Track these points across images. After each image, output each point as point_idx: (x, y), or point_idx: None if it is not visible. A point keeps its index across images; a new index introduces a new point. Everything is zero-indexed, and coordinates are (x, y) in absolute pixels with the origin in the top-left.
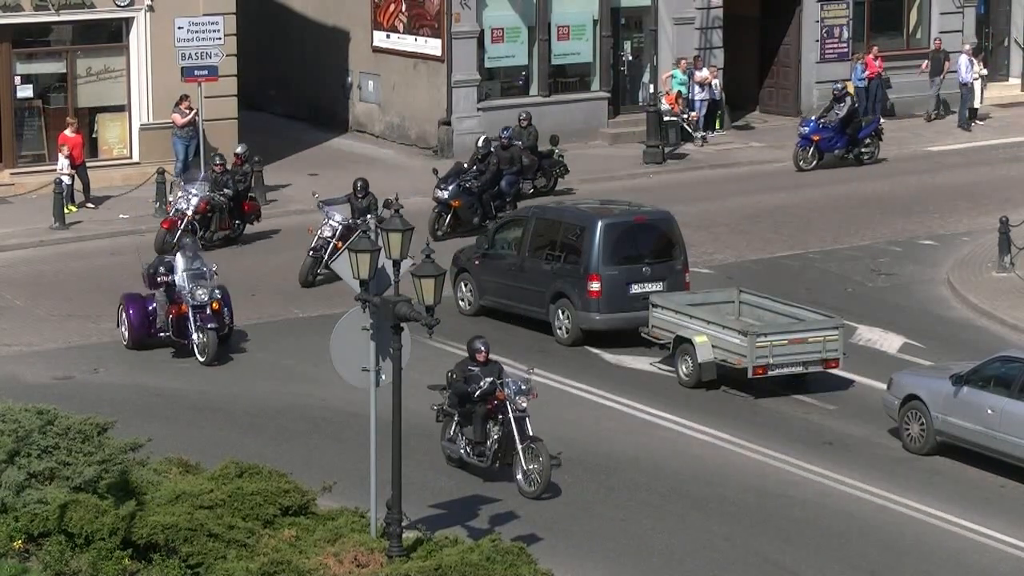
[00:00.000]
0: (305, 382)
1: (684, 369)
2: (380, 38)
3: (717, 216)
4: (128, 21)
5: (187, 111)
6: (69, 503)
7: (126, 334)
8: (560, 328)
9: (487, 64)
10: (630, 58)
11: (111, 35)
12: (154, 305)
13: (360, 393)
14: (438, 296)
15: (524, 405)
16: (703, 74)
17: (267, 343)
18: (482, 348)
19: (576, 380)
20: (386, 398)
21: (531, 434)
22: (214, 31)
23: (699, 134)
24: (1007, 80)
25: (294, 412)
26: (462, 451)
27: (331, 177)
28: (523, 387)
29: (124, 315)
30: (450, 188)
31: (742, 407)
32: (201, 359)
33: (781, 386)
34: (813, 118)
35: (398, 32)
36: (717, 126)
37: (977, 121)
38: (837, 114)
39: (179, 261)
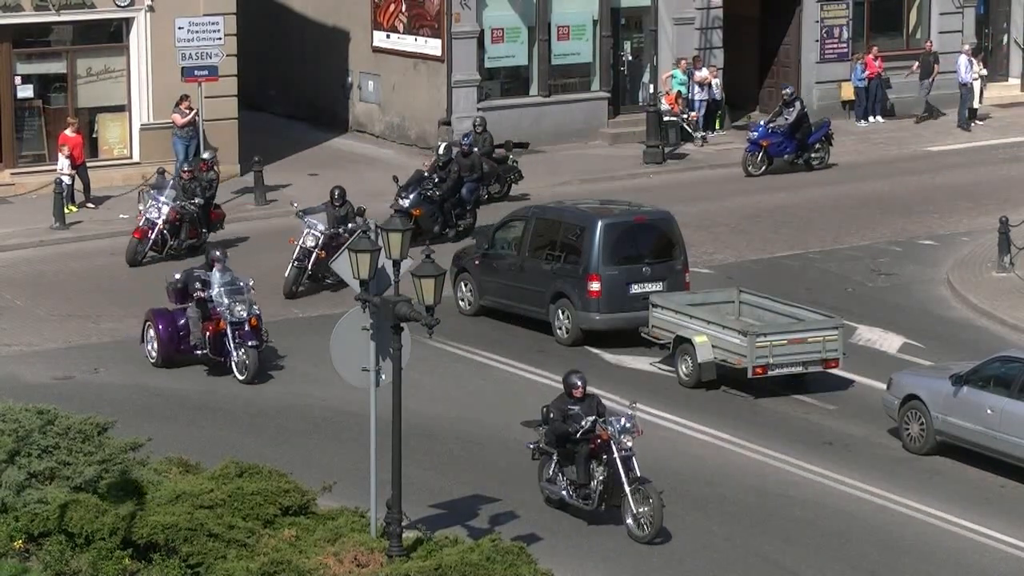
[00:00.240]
0: (305, 382)
1: (684, 369)
2: (380, 38)
3: (717, 216)
4: (128, 21)
5: (187, 111)
6: (69, 503)
7: (154, 351)
8: (560, 328)
9: (487, 64)
10: (630, 58)
11: (111, 35)
12: (184, 320)
13: (360, 393)
14: (438, 296)
15: (630, 444)
16: (703, 74)
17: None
18: (579, 383)
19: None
20: (386, 398)
21: (639, 475)
22: (214, 31)
23: (699, 134)
24: (1007, 80)
25: (294, 412)
26: (563, 492)
27: (331, 177)
28: (627, 424)
29: (151, 331)
30: (411, 197)
31: (742, 407)
32: (240, 377)
33: (781, 386)
34: (762, 123)
35: (398, 32)
36: (717, 126)
37: (977, 121)
38: (786, 119)
39: (215, 275)
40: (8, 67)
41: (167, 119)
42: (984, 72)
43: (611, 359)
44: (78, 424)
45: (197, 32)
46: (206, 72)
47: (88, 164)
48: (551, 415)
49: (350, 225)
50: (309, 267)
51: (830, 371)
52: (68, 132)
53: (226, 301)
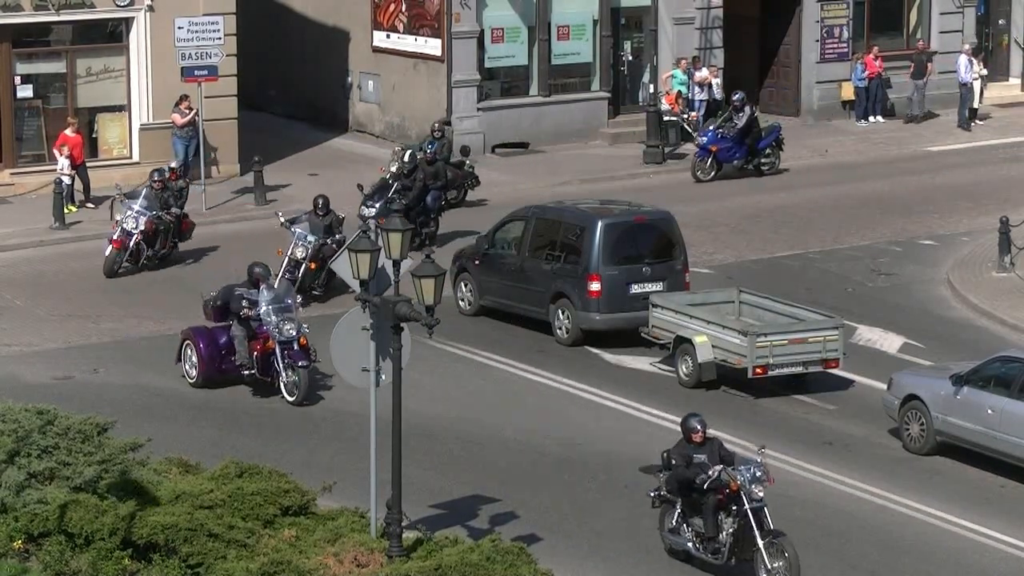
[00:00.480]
0: None
1: (684, 369)
2: (380, 38)
3: (717, 216)
4: (128, 21)
5: (187, 111)
6: (69, 503)
7: (193, 371)
8: (560, 328)
9: (487, 64)
10: (630, 58)
11: (111, 35)
12: (225, 338)
13: (360, 393)
14: (438, 296)
15: (761, 495)
16: (703, 74)
17: None
18: (698, 427)
19: (576, 380)
20: (386, 398)
21: (772, 527)
22: (214, 31)
23: (699, 134)
24: (1007, 80)
25: (294, 412)
26: (689, 544)
27: (331, 177)
28: (757, 474)
29: (190, 350)
30: (377, 206)
31: (742, 407)
32: (291, 399)
33: (781, 386)
34: (711, 128)
35: (398, 32)
36: None
37: (977, 121)
38: (736, 124)
39: (263, 293)
40: (8, 67)
41: (167, 119)
42: (984, 72)
43: (611, 359)
44: (78, 424)
45: (197, 32)
46: (206, 72)
47: (88, 164)
48: (673, 461)
49: (337, 236)
50: (300, 277)
51: (830, 371)
52: (68, 132)
53: (274, 319)
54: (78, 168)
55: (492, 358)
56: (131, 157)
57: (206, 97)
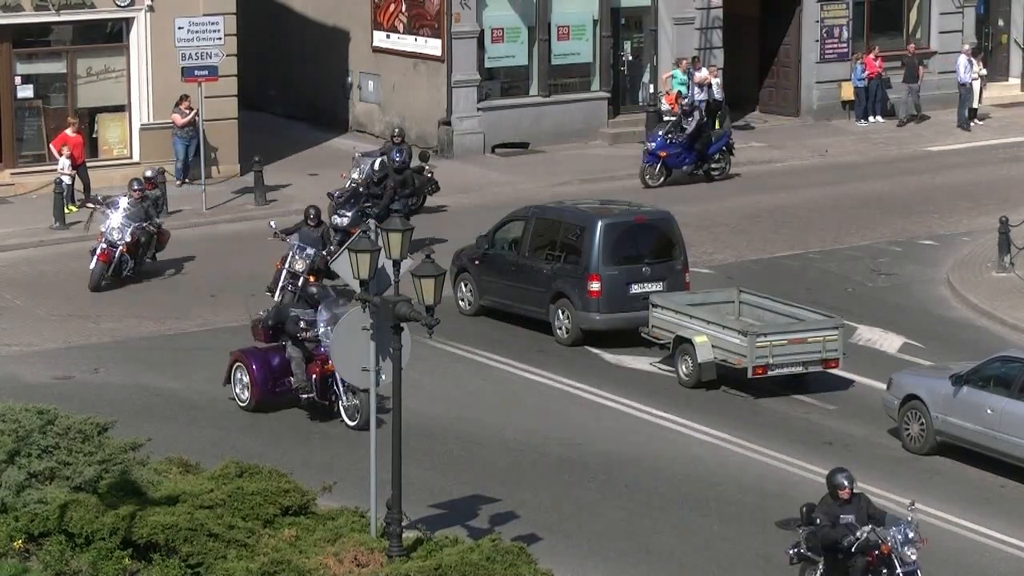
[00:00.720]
0: None
1: (684, 369)
2: (380, 38)
3: (717, 216)
4: (128, 21)
5: (187, 111)
6: (69, 503)
7: (245, 394)
8: (560, 328)
9: (487, 64)
10: (630, 58)
11: (111, 35)
12: (278, 360)
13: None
14: (438, 296)
15: (914, 557)
16: (703, 74)
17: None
18: (846, 484)
19: (576, 380)
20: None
21: None
22: (214, 31)
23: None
24: (1007, 80)
25: (294, 412)
26: None
27: (331, 177)
28: (909, 534)
29: (242, 373)
30: (349, 215)
31: (742, 407)
32: (351, 423)
33: (781, 386)
34: (660, 133)
35: (398, 32)
36: (717, 126)
37: (977, 121)
38: (685, 129)
39: (321, 314)
40: (8, 67)
41: (167, 119)
42: (984, 72)
43: (611, 359)
44: (78, 424)
45: (197, 32)
46: (206, 72)
47: (88, 164)
48: (818, 520)
49: (331, 247)
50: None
51: (830, 371)
52: (69, 132)
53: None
54: (78, 168)
55: (492, 358)
56: (131, 157)
57: (206, 97)
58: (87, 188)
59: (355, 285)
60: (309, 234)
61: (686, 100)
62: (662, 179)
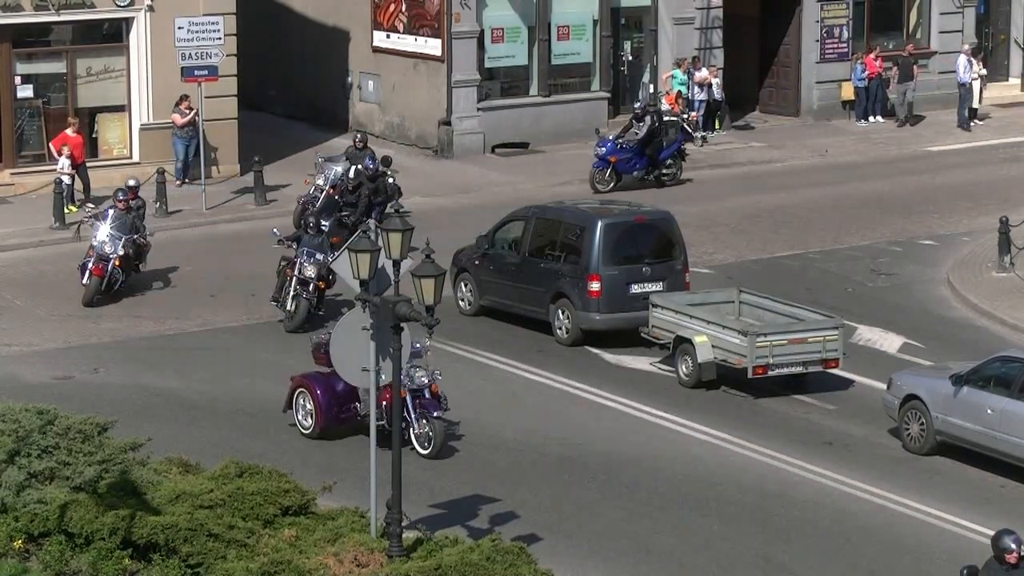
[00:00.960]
0: None
1: (684, 369)
2: (380, 38)
3: (717, 216)
4: (128, 21)
5: (187, 111)
6: (69, 503)
7: (308, 420)
8: (560, 328)
9: (487, 64)
10: (630, 58)
11: (111, 35)
12: (343, 386)
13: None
14: (438, 296)
15: None
16: (703, 74)
17: (267, 343)
18: (1013, 548)
19: (576, 380)
20: None
21: None
22: (214, 31)
23: (699, 134)
24: (1007, 80)
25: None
26: None
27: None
28: None
29: (305, 399)
30: (328, 224)
31: (742, 407)
32: (423, 452)
33: (781, 386)
34: (611, 138)
35: (398, 32)
36: (717, 126)
37: (976, 121)
38: (636, 134)
39: None
40: (8, 67)
41: (167, 119)
42: (984, 72)
43: (611, 359)
44: (78, 424)
45: (197, 32)
46: (206, 72)
47: (88, 164)
48: None
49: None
50: (314, 301)
51: (830, 371)
52: (69, 132)
53: (404, 367)
54: (78, 168)
55: (492, 358)
56: (131, 157)
57: (206, 97)
58: (87, 188)
59: (355, 285)
60: (311, 242)
61: (638, 105)
62: (612, 184)
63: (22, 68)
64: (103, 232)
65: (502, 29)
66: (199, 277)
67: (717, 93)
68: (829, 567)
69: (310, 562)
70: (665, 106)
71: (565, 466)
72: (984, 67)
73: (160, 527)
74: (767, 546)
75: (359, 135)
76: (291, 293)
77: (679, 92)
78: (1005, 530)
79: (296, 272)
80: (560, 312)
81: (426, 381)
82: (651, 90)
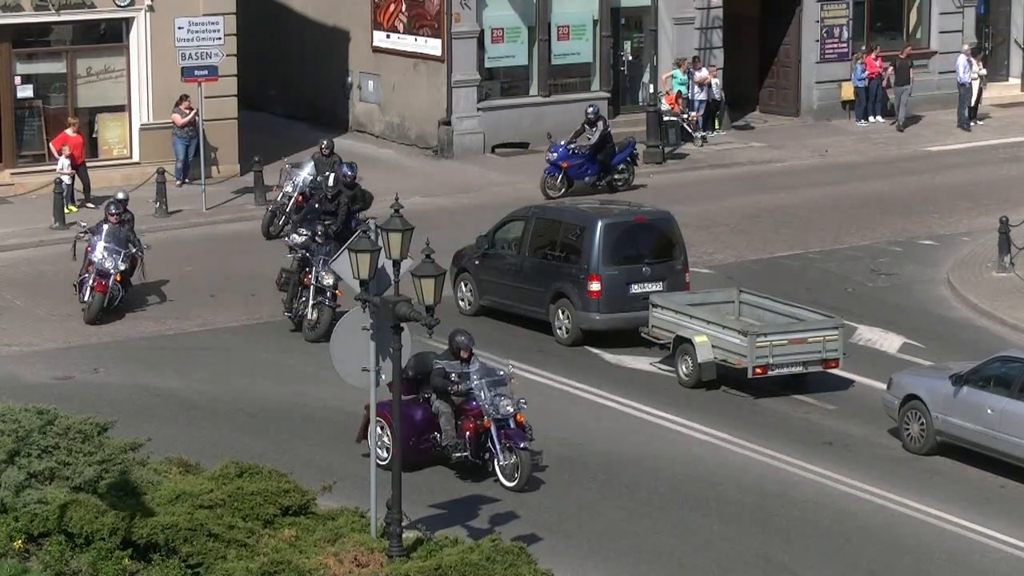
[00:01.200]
0: (305, 382)
1: (684, 369)
2: (380, 38)
3: (717, 216)
4: (128, 21)
5: (187, 111)
6: (69, 503)
7: (385, 452)
8: (560, 328)
9: (487, 64)
10: (630, 58)
11: (111, 35)
12: (421, 415)
13: (360, 393)
14: (438, 296)
15: None
16: (703, 74)
17: (267, 343)
18: None
19: (576, 380)
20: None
21: None
22: (214, 31)
23: (699, 134)
24: (1007, 80)
25: (294, 412)
26: None
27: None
28: None
29: (382, 429)
30: (308, 233)
31: (742, 407)
32: (509, 484)
33: (781, 386)
34: (562, 143)
35: (398, 32)
36: (717, 126)
37: (976, 121)
38: (589, 139)
39: (474, 365)
40: (8, 67)
41: (167, 119)
42: (984, 72)
43: (611, 359)
44: (78, 424)
45: (197, 32)
46: (206, 72)
47: (88, 164)
48: None
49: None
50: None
51: (830, 371)
52: (69, 132)
53: (488, 395)
54: (78, 168)
55: (492, 358)
56: (131, 157)
57: (206, 97)
58: (87, 188)
59: (355, 285)
60: (321, 250)
61: (591, 109)
62: (563, 190)
63: (22, 68)
64: (100, 248)
65: (502, 29)
66: (199, 277)
67: (717, 93)
68: (829, 567)
69: (310, 562)
70: (665, 106)
71: (565, 466)
72: (984, 67)
73: (160, 527)
74: (767, 546)
75: (325, 142)
76: (311, 302)
77: (679, 92)
78: None
79: (314, 281)
80: (560, 312)
81: (511, 410)
82: (651, 90)
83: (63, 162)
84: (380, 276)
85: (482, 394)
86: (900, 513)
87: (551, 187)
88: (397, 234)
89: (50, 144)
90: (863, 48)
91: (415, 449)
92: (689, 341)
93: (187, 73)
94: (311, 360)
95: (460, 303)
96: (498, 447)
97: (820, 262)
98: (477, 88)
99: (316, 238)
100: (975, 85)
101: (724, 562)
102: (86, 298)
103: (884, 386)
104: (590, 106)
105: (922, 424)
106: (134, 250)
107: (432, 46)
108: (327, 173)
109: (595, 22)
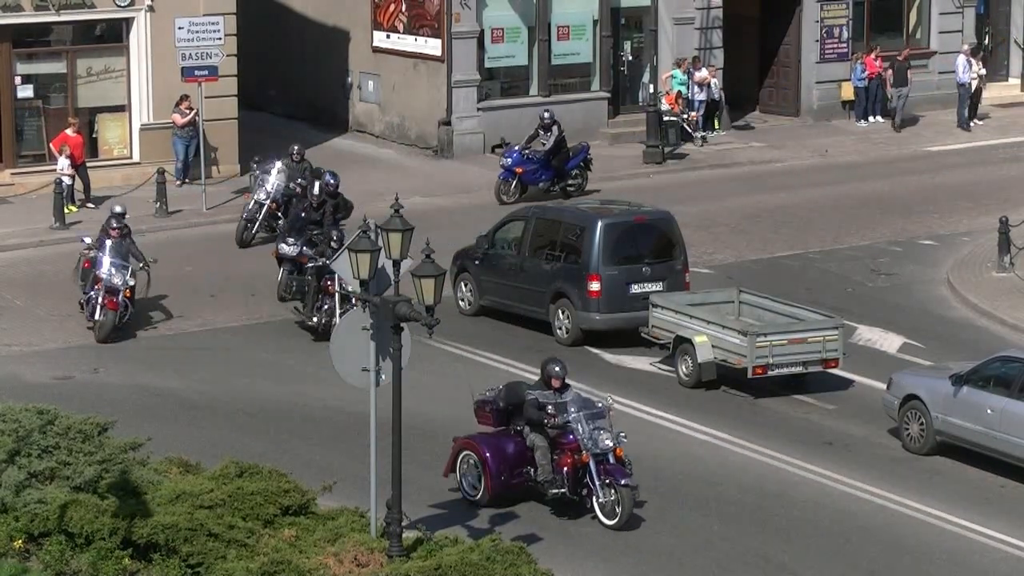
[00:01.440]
0: (305, 382)
1: (684, 369)
2: (380, 38)
3: (717, 216)
4: (128, 21)
5: (187, 111)
6: (69, 503)
7: (474, 486)
8: (560, 328)
9: (487, 64)
10: (630, 58)
11: (111, 35)
12: (513, 447)
13: (360, 393)
14: (438, 296)
15: None
16: (703, 74)
17: (267, 343)
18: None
19: (576, 380)
20: (386, 398)
21: None
22: (214, 31)
23: (699, 134)
24: (1007, 80)
25: (294, 412)
26: None
27: None
28: None
29: (472, 463)
30: (297, 243)
31: (742, 407)
32: (609, 522)
33: (781, 386)
34: (517, 148)
35: (398, 32)
36: (716, 126)
37: (976, 121)
38: (543, 144)
39: (570, 396)
40: (8, 67)
41: (167, 119)
42: (983, 72)
43: (611, 359)
44: (78, 424)
45: (197, 32)
46: (206, 72)
47: (88, 164)
48: None
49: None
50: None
51: (830, 371)
52: (69, 132)
53: (587, 429)
54: (78, 168)
55: (492, 358)
56: (131, 157)
57: (206, 97)
58: (87, 188)
59: (355, 285)
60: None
61: (546, 114)
62: (517, 196)
63: (22, 68)
64: (107, 264)
65: (502, 29)
66: (199, 277)
67: (716, 93)
68: (829, 567)
69: (310, 562)
70: (665, 106)
71: None
72: (984, 67)
73: (160, 527)
74: (767, 546)
75: (295, 148)
76: (338, 310)
77: (679, 92)
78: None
79: (338, 288)
80: (560, 312)
81: (611, 444)
82: (651, 90)
83: (63, 162)
84: (380, 276)
85: (580, 427)
86: (900, 513)
87: (505, 192)
88: (397, 234)
89: (50, 144)
90: (863, 48)
91: (507, 484)
92: (689, 341)
93: (187, 73)
94: (311, 360)
95: (460, 303)
96: (597, 483)
97: (820, 262)
98: (477, 88)
99: (331, 244)
100: (975, 85)
101: (724, 562)
102: (97, 316)
103: (884, 386)
104: (545, 111)
105: (922, 424)
106: (140, 265)
107: (432, 46)
108: (302, 181)
109: (595, 22)
